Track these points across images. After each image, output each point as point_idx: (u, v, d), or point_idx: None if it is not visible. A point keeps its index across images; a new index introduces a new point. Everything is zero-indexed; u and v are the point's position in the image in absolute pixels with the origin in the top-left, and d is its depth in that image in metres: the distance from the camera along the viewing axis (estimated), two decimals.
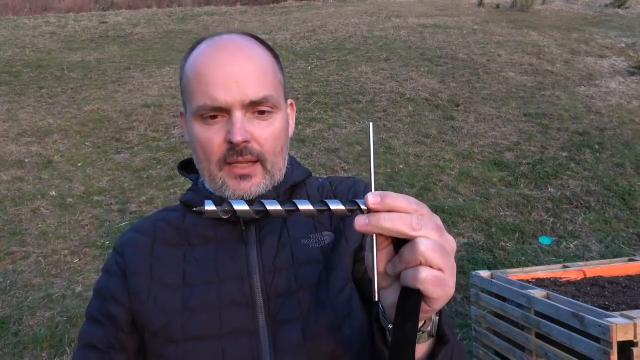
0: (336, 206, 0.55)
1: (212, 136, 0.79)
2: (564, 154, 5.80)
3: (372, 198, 0.53)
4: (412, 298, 0.55)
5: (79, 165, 5.78)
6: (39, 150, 6.01)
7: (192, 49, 0.85)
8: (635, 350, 2.05)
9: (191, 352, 0.77)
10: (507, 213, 4.90)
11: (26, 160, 5.78)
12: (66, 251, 4.24)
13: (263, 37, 9.10)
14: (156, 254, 0.85)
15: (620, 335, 2.04)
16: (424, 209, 0.55)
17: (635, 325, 2.05)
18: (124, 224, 4.62)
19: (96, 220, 4.68)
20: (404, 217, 0.53)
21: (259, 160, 0.80)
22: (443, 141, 6.16)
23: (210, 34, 0.88)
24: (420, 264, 0.53)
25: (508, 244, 4.50)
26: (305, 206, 0.55)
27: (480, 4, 12.63)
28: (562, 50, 9.00)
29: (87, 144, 6.29)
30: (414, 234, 0.53)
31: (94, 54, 9.79)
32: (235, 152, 0.78)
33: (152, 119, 6.83)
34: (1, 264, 4.06)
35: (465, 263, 4.26)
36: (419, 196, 5.05)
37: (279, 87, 0.84)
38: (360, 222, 0.53)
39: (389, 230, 0.53)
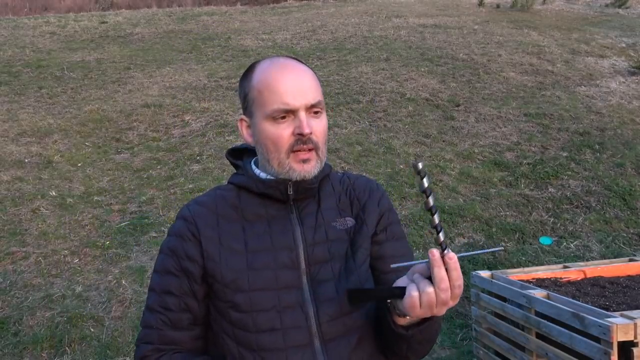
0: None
1: (282, 132, 1.05)
2: (564, 154, 5.80)
3: (452, 258, 0.86)
4: (399, 293, 0.89)
5: (79, 165, 5.78)
6: (39, 150, 6.01)
7: (252, 69, 1.11)
8: (635, 350, 2.05)
9: (256, 299, 1.04)
10: (507, 213, 4.90)
11: (26, 160, 5.77)
12: (66, 251, 4.24)
13: (263, 37, 9.07)
14: (221, 226, 1.10)
15: (620, 335, 2.04)
16: (461, 281, 0.88)
17: (635, 325, 2.05)
18: (124, 224, 4.62)
19: (96, 220, 4.68)
20: (445, 277, 0.86)
21: (315, 148, 1.07)
22: (443, 141, 6.16)
23: (264, 57, 1.21)
24: (420, 296, 0.87)
25: (508, 244, 4.50)
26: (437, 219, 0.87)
27: (480, 3, 12.62)
28: (562, 50, 9.00)
29: (87, 144, 6.29)
30: (439, 288, 0.86)
31: (93, 54, 9.78)
32: (302, 141, 1.05)
33: (152, 119, 6.83)
34: (1, 264, 4.06)
35: (465, 263, 4.26)
36: (419, 196, 5.05)
37: (322, 94, 1.12)
38: (435, 256, 0.86)
39: (435, 273, 0.86)
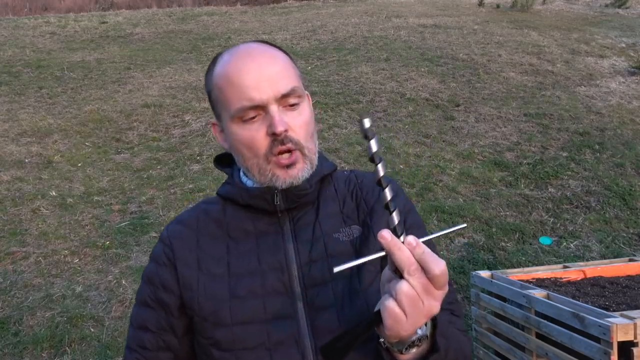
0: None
1: (254, 134, 0.87)
2: (564, 154, 5.80)
3: (411, 243, 0.67)
4: (376, 317, 0.69)
5: (79, 165, 5.77)
6: (39, 150, 6.01)
7: (214, 63, 0.93)
8: (635, 350, 2.05)
9: (240, 334, 0.86)
10: (507, 213, 4.90)
11: (26, 160, 5.77)
12: (66, 251, 4.24)
13: (263, 37, 9.09)
14: (201, 246, 0.93)
15: (620, 335, 2.04)
16: (432, 260, 0.66)
17: (635, 325, 2.05)
18: (124, 224, 4.62)
19: (96, 220, 4.68)
20: (409, 256, 0.66)
21: (298, 147, 0.88)
22: (443, 141, 6.15)
23: (228, 46, 1.03)
24: (397, 301, 0.66)
25: (508, 244, 4.50)
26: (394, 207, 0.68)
27: (480, 4, 12.62)
28: (562, 50, 8.99)
29: (87, 144, 6.28)
30: (409, 274, 0.65)
31: (94, 54, 9.78)
32: (278, 141, 0.86)
33: (152, 119, 6.83)
34: (1, 264, 4.06)
35: (465, 263, 4.26)
36: (419, 196, 5.05)
37: (299, 79, 0.93)
38: (387, 238, 0.66)
39: (397, 259, 0.66)
